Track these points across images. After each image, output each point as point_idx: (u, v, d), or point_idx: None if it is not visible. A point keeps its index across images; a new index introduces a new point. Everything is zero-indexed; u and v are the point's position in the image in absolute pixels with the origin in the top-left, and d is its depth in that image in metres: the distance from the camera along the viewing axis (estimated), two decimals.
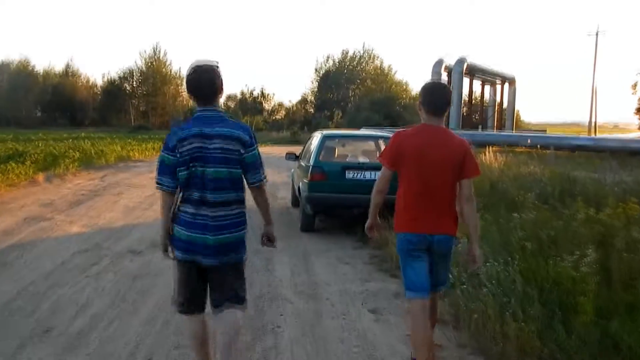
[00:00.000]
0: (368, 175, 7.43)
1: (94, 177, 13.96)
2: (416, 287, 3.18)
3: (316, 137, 8.25)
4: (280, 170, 15.72)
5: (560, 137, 22.76)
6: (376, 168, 7.50)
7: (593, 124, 34.03)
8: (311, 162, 7.53)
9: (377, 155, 8.60)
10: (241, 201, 2.96)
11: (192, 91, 2.91)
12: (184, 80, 3.03)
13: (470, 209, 3.16)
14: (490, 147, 16.99)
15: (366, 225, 3.49)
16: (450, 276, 4.24)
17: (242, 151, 2.87)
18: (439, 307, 3.68)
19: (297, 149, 9.69)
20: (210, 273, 2.97)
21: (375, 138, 8.82)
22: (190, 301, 3.02)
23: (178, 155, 2.84)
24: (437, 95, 3.15)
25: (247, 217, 3.04)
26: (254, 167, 2.95)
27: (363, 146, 9.12)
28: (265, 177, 3.03)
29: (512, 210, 8.27)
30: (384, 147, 8.77)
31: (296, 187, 8.69)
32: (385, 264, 6.14)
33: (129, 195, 11.08)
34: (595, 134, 31.93)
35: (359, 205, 7.37)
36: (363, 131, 10.17)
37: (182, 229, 2.91)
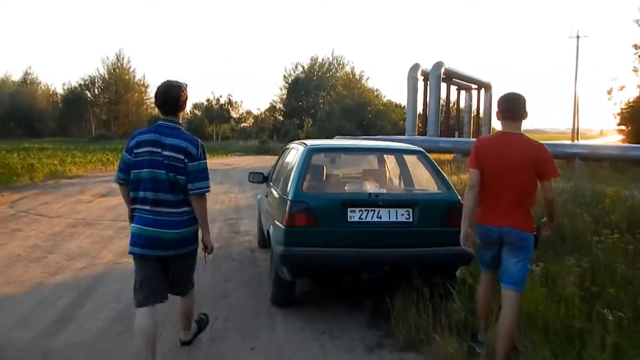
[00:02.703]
0: (386, 216, 4.19)
1: (2, 202, 10.33)
2: (483, 264, 3.48)
3: (295, 151, 4.98)
4: (245, 187, 12.34)
5: (555, 144, 20.01)
6: (399, 204, 4.29)
7: (576, 130, 31.77)
8: (290, 193, 4.25)
9: (387, 178, 5.40)
10: (183, 203, 3.11)
11: (159, 103, 3.18)
12: (154, 92, 3.26)
13: (552, 206, 3.30)
14: None
15: (461, 237, 3.31)
16: None
17: (187, 161, 3.06)
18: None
19: (266, 160, 6.45)
20: (169, 264, 3.22)
21: (378, 151, 5.59)
22: (149, 294, 3.17)
23: (133, 156, 3.09)
24: (513, 103, 3.29)
25: (194, 216, 3.15)
26: (195, 177, 3.08)
27: (363, 164, 5.87)
28: (207, 188, 3.14)
29: (579, 253, 5.41)
30: (392, 164, 5.59)
31: (265, 228, 5.41)
32: None
33: (29, 232, 7.56)
34: (578, 141, 29.59)
35: (371, 266, 4.18)
36: (357, 141, 6.81)
37: (134, 226, 3.14)
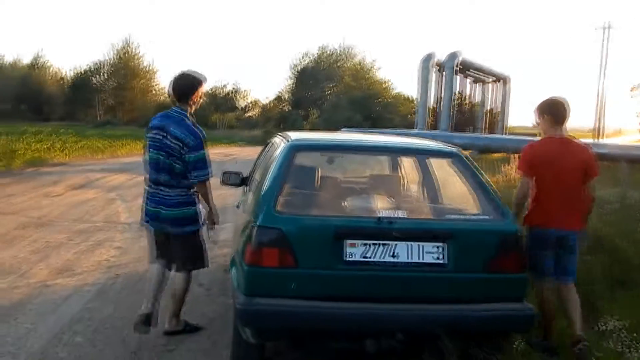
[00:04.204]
0: (404, 253, 2.67)
1: None
2: (548, 272, 3.24)
3: (275, 148, 3.46)
4: None
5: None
6: (426, 235, 2.70)
7: (600, 129, 29.81)
8: (257, 214, 2.73)
9: (403, 192, 3.85)
10: (182, 187, 3.29)
11: (169, 90, 3.44)
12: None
13: (591, 206, 3.40)
14: (515, 155, 12.54)
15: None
16: None
17: (185, 151, 3.20)
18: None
19: None
20: (170, 239, 3.43)
21: (390, 151, 3.81)
22: (157, 256, 3.53)
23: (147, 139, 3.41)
24: (561, 106, 3.30)
25: (190, 200, 3.35)
26: (194, 166, 3.24)
27: (368, 170, 4.28)
28: (206, 176, 3.29)
29: None
30: (410, 170, 4.04)
31: (234, 250, 3.87)
32: None
33: None
34: (602, 139, 27.64)
35: (379, 331, 2.67)
36: (363, 136, 4.93)
37: (146, 203, 3.44)
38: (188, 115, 3.33)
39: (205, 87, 3.45)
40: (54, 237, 6.13)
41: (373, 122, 31.93)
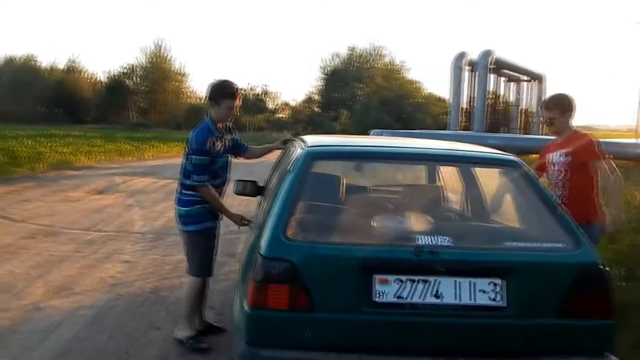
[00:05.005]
0: (449, 293, 2.05)
1: None
2: None
3: (290, 154, 2.89)
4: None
5: (618, 143, 17.12)
6: (478, 269, 2.08)
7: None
8: (262, 242, 2.16)
9: (443, 212, 3.22)
10: (183, 186, 3.38)
11: None
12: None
13: None
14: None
15: None
16: None
17: (190, 152, 3.30)
18: None
19: None
20: None
21: (427, 159, 3.06)
22: None
23: None
24: (574, 102, 3.34)
25: (181, 199, 3.36)
26: (193, 169, 3.28)
27: (405, 180, 3.66)
28: (198, 183, 3.27)
29: None
30: (452, 182, 3.41)
31: (239, 275, 3.30)
32: None
33: None
34: None
35: None
36: (393, 141, 4.14)
37: None
38: (212, 119, 3.39)
39: (235, 102, 3.46)
40: (60, 248, 5.71)
41: (404, 123, 31.15)
